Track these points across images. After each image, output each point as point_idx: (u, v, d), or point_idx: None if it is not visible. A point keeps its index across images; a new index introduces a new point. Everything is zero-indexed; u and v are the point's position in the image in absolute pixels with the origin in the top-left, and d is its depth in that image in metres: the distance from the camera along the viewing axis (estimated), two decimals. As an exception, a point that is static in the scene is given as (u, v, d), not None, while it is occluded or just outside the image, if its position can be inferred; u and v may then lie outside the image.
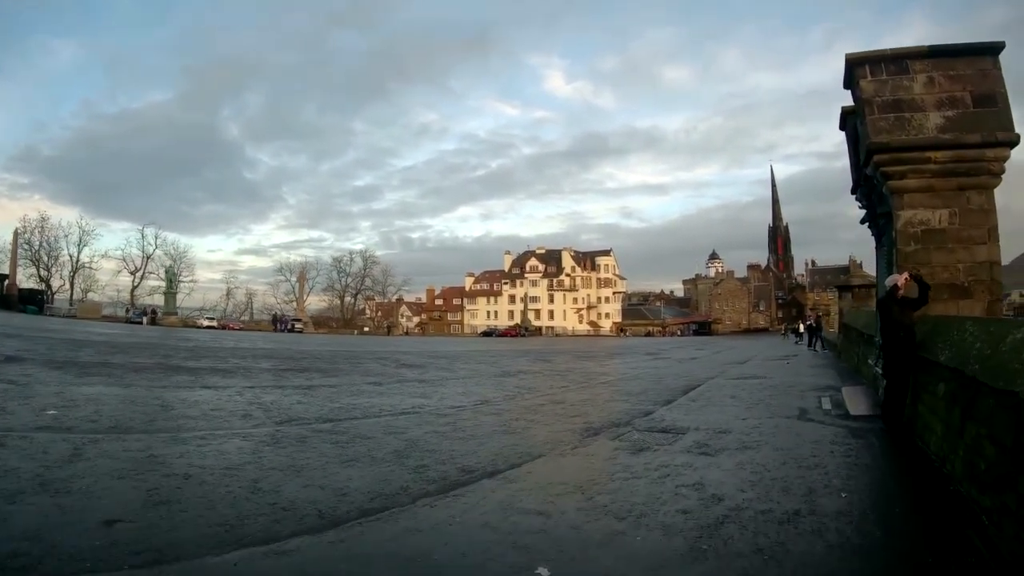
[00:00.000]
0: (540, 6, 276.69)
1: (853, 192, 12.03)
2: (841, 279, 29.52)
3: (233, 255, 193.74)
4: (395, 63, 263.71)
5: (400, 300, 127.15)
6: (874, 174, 9.63)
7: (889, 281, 7.76)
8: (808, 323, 35.73)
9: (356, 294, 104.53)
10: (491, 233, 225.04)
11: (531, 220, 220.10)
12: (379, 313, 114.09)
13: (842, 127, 12.77)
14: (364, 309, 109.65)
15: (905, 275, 7.79)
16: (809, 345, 31.30)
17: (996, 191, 9.34)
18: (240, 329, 62.09)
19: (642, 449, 6.88)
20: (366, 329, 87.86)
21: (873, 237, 11.25)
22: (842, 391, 10.99)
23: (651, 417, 9.27)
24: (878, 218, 10.22)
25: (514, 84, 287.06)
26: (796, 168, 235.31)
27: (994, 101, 9.33)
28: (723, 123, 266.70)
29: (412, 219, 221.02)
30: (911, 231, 9.19)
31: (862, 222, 11.73)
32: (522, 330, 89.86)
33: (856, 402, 9.54)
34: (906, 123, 9.40)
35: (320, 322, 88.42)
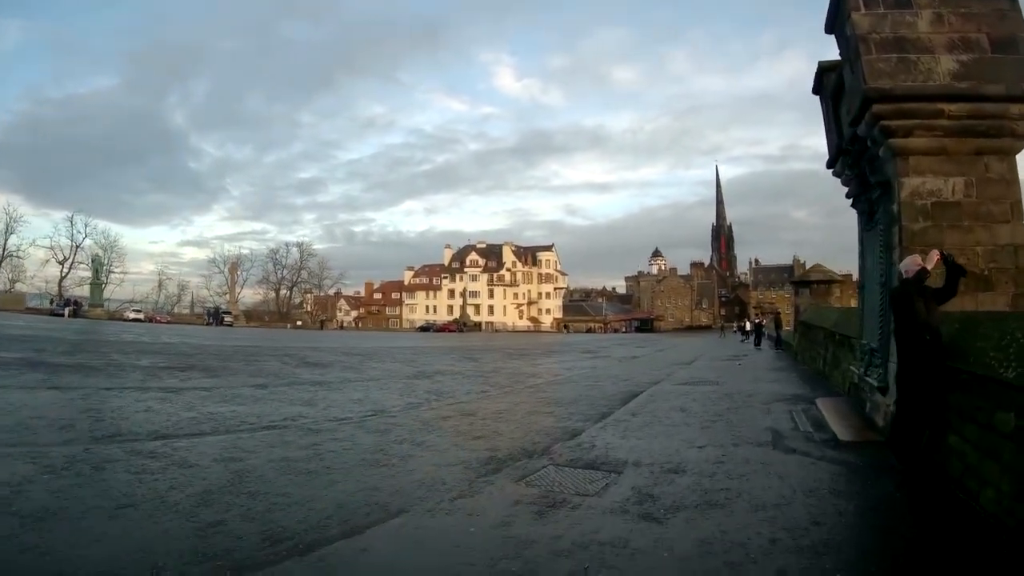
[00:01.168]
0: (489, 1, 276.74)
1: (831, 165, 9.88)
2: (798, 274, 27.70)
3: (175, 247, 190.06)
4: (344, 54, 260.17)
5: (339, 294, 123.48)
6: (869, 132, 7.49)
7: (909, 265, 5.60)
8: (756, 321, 34.26)
9: (292, 287, 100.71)
10: (435, 228, 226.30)
11: (476, 216, 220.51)
12: (317, 307, 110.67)
13: (816, 90, 10.65)
14: (302, 303, 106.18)
15: (935, 254, 5.65)
16: (757, 344, 30.02)
17: (1019, 159, 7.35)
18: (168, 322, 59.32)
19: (555, 505, 4.54)
20: (299, 323, 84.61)
21: (860, 218, 9.11)
22: (818, 404, 8.93)
23: (578, 441, 6.97)
24: (871, 190, 8.12)
25: (463, 79, 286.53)
26: (741, 170, 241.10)
27: (1015, 47, 7.32)
28: (670, 124, 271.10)
29: (356, 213, 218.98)
30: (919, 204, 7.08)
31: (849, 197, 9.56)
32: (460, 325, 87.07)
33: (842, 422, 7.44)
34: (912, 66, 7.27)
35: (253, 316, 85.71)
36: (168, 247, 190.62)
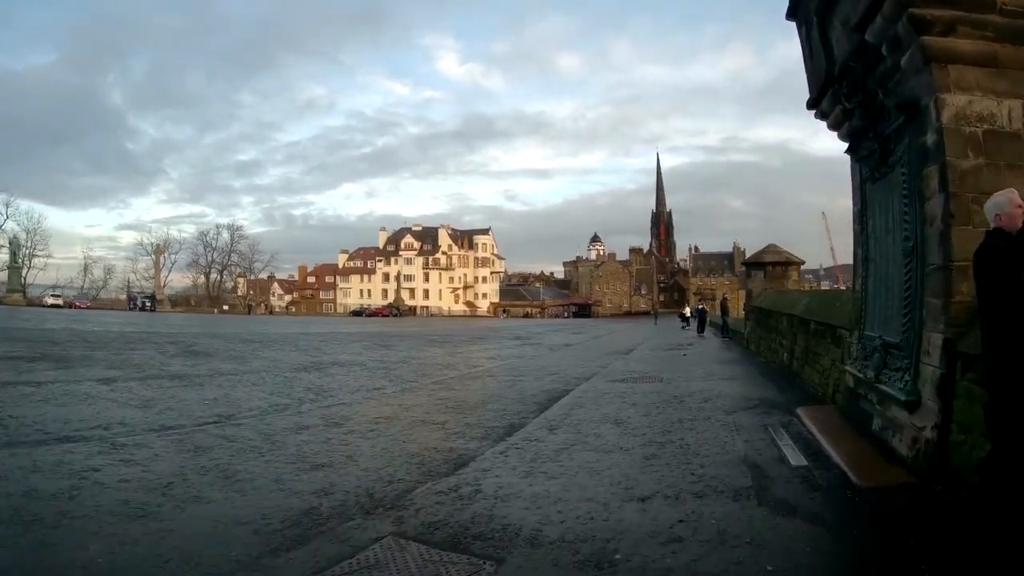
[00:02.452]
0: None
1: (815, 104, 7.61)
2: (746, 258, 25.45)
3: (113, 231, 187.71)
4: (285, 33, 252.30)
5: (272, 278, 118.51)
6: (887, 32, 5.17)
7: (1006, 205, 3.34)
8: (699, 307, 32.37)
9: (223, 270, 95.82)
10: (374, 212, 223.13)
11: (415, 200, 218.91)
12: (250, 291, 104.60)
13: (791, 13, 8.33)
14: (235, 287, 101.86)
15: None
16: (700, 331, 28.42)
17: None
18: (88, 308, 56.36)
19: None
20: (226, 307, 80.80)
21: (859, 166, 6.79)
22: (801, 417, 6.65)
23: (459, 478, 4.61)
24: (883, 121, 5.81)
25: (405, 62, 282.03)
26: (681, 160, 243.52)
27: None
28: (611, 112, 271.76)
29: (295, 195, 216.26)
30: (968, 131, 4.81)
31: (846, 138, 7.19)
32: (393, 310, 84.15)
33: (845, 449, 5.17)
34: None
35: (180, 300, 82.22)
36: (105, 231, 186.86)
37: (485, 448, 5.59)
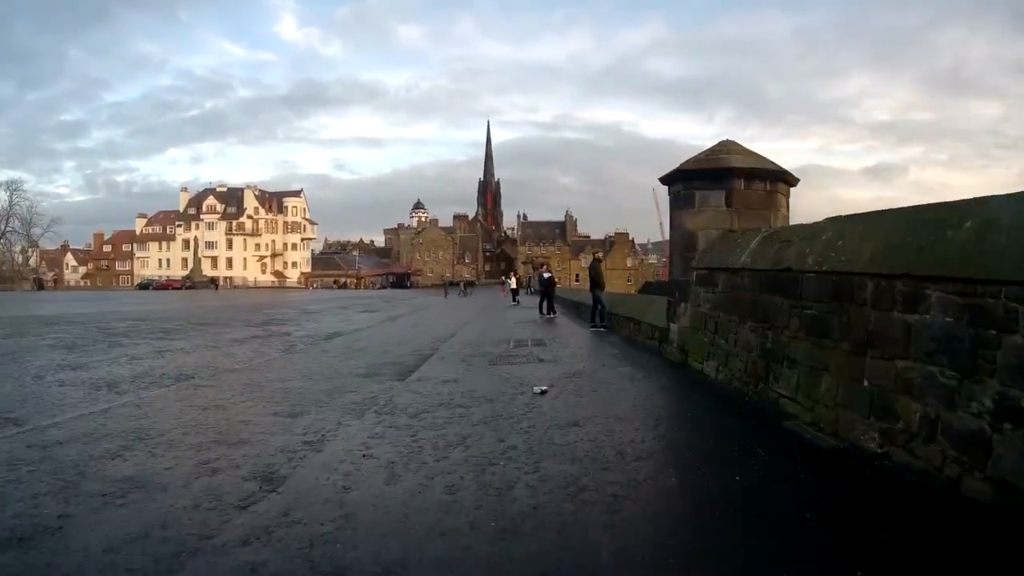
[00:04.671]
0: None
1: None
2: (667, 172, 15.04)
3: None
4: None
5: (65, 247, 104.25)
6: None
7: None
8: (546, 275, 22.31)
9: (1, 236, 75.20)
10: (200, 179, 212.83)
11: (242, 166, 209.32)
12: (41, 262, 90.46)
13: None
14: (25, 258, 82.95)
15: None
16: (549, 312, 18.95)
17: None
18: None
19: None
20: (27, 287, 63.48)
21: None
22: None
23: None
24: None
25: (244, 21, 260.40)
26: (513, 134, 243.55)
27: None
28: (447, 84, 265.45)
29: (119, 160, 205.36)
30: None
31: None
32: (186, 282, 70.91)
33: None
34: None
35: None
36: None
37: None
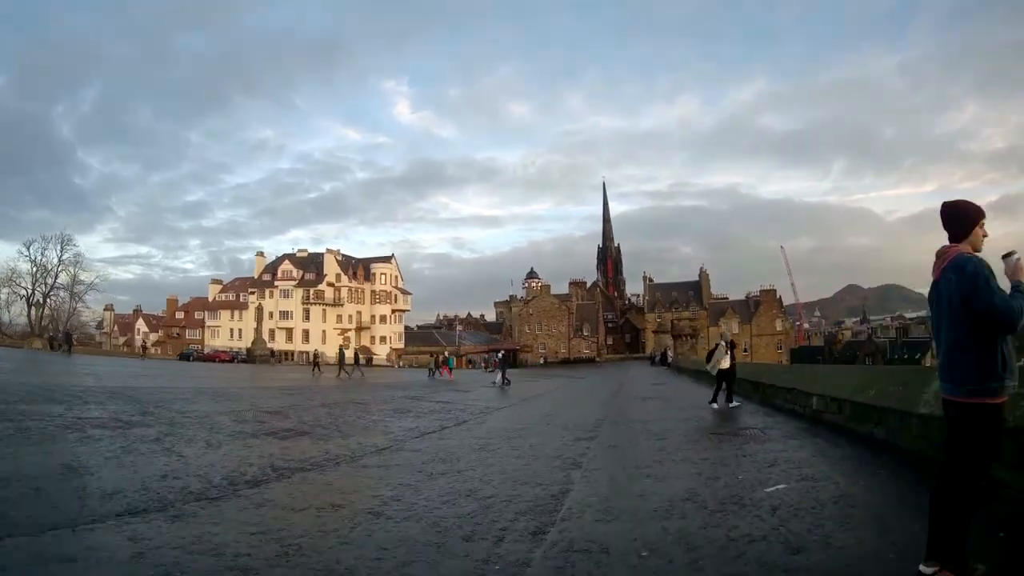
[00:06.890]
0: (387, 24, 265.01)
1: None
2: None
3: None
4: (238, 71, 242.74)
5: (138, 312, 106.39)
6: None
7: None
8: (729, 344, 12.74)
9: (45, 297, 65.20)
10: None
11: (363, 246, 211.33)
12: (115, 327, 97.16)
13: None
14: (101, 321, 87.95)
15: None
16: (730, 399, 13.51)
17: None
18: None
19: None
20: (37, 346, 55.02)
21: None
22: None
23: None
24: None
25: (360, 107, 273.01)
26: (629, 206, 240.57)
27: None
28: (560, 160, 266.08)
29: (242, 240, 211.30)
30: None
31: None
32: (237, 354, 61.10)
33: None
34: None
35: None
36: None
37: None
